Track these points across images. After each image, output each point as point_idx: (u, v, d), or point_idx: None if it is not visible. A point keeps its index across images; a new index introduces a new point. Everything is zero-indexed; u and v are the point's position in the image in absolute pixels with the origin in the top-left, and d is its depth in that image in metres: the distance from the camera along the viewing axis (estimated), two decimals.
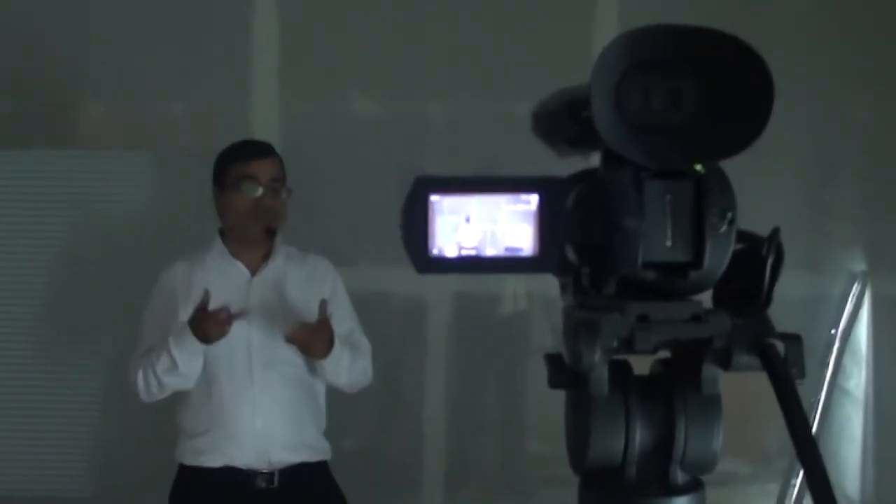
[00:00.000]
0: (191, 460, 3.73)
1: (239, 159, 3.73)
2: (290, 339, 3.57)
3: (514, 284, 4.93)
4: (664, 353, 1.53)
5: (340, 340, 3.64)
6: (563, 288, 1.61)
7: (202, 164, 4.61)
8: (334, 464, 3.90)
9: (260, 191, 3.69)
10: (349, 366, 3.70)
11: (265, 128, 4.75)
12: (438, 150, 4.83)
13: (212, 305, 3.60)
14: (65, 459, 4.74)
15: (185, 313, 3.62)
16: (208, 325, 3.51)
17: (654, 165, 1.41)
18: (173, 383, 3.64)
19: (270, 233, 3.72)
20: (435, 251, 1.52)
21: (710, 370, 1.48)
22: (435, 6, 4.83)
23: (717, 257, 1.43)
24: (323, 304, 3.57)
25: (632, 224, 1.40)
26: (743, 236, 1.46)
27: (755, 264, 1.48)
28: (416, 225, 1.51)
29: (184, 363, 3.57)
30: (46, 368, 4.74)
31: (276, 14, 4.79)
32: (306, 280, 3.79)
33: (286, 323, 3.62)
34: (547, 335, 4.92)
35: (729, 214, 1.43)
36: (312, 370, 3.72)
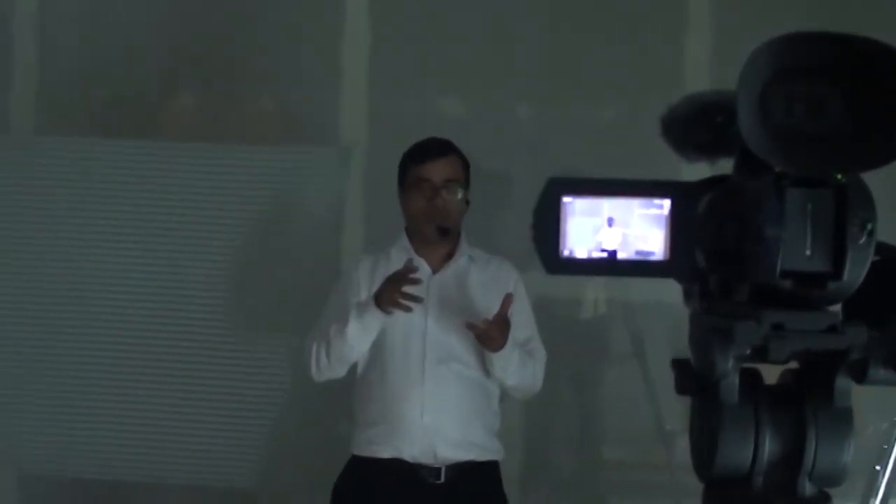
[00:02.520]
0: (363, 450, 3.74)
1: (415, 160, 3.77)
2: (469, 325, 3.55)
3: (595, 289, 4.91)
4: (793, 364, 1.52)
5: (513, 342, 3.64)
6: (687, 294, 1.59)
7: (285, 158, 4.70)
8: None
9: (433, 192, 3.71)
10: (518, 368, 3.70)
11: (353, 125, 4.78)
12: (524, 152, 4.81)
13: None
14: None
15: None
16: (392, 292, 3.52)
17: (797, 173, 1.39)
18: (337, 350, 3.63)
19: (443, 232, 3.73)
20: (566, 252, 1.51)
21: (843, 382, 1.47)
22: (525, 8, 4.81)
23: (857, 268, 1.41)
24: (507, 298, 3.58)
25: (772, 232, 1.38)
26: (880, 248, 1.45)
27: (893, 277, 1.46)
28: (548, 226, 1.51)
29: (353, 333, 3.59)
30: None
31: (366, 12, 4.80)
32: (488, 282, 3.79)
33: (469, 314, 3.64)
34: (626, 341, 4.89)
35: (869, 226, 1.42)
36: (485, 371, 3.73)
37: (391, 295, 3.53)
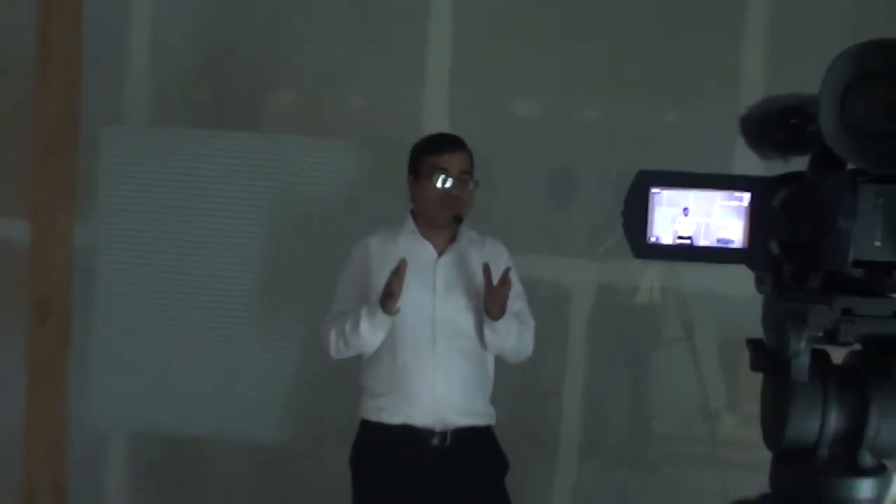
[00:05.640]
0: (372, 416, 3.77)
1: (433, 151, 3.74)
2: (485, 268, 3.56)
3: (651, 278, 4.90)
4: (857, 346, 1.51)
5: (510, 312, 3.66)
6: (760, 280, 1.59)
7: (377, 150, 4.71)
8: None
9: (450, 182, 3.69)
10: (517, 333, 3.72)
11: (435, 121, 4.78)
12: (590, 150, 4.81)
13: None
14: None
15: (380, 283, 3.65)
16: (392, 286, 3.52)
17: (872, 170, 1.38)
18: (355, 346, 3.68)
19: (457, 220, 3.72)
20: (652, 239, 1.52)
21: None
22: (594, 20, 4.80)
23: None
24: (506, 270, 3.58)
25: (845, 224, 1.38)
26: None
27: None
28: (637, 214, 1.52)
29: (366, 331, 3.61)
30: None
31: (450, 18, 4.81)
32: (485, 262, 3.73)
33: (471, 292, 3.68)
34: (677, 327, 4.88)
35: None
36: (483, 344, 3.73)
37: (393, 289, 3.52)
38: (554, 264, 4.70)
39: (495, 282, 3.57)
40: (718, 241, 1.51)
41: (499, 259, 3.75)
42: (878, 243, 1.40)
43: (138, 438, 5.14)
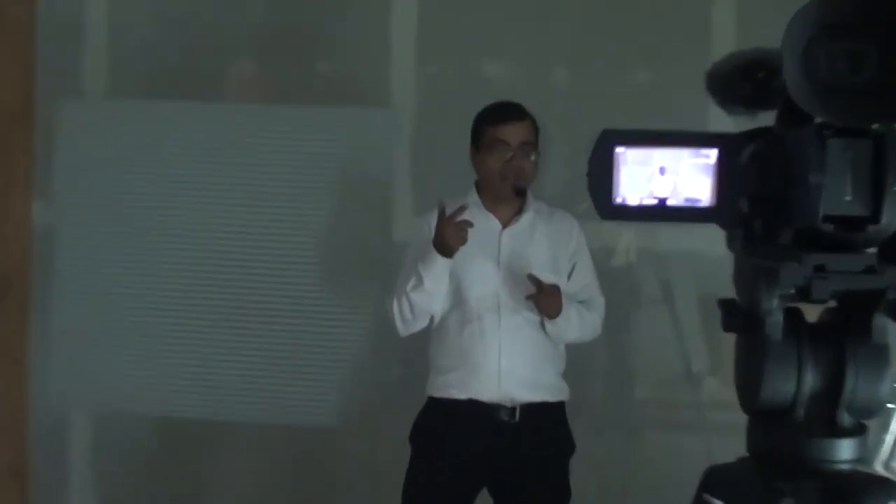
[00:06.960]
0: (439, 393, 3.71)
1: (493, 122, 3.68)
2: (531, 276, 3.53)
3: (627, 239, 4.89)
4: (831, 303, 1.51)
5: (569, 300, 3.62)
6: (731, 239, 1.58)
7: (340, 119, 4.69)
8: None
9: (510, 154, 3.63)
10: (579, 324, 3.68)
11: (403, 90, 4.77)
12: (560, 112, 4.79)
13: (463, 253, 3.57)
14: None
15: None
16: (447, 230, 3.47)
17: (838, 123, 1.38)
18: (420, 302, 3.61)
19: (519, 193, 3.66)
20: (618, 200, 1.51)
21: (880, 320, 1.46)
22: None
23: (893, 212, 1.40)
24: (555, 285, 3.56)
25: (815, 179, 1.38)
26: None
27: None
28: (602, 174, 1.51)
29: (429, 280, 3.55)
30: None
31: None
32: (552, 233, 3.73)
33: (526, 286, 3.58)
34: (655, 288, 4.88)
35: None
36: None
37: (453, 234, 3.49)
38: None
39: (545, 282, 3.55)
40: (686, 200, 1.50)
41: (567, 231, 3.73)
42: (847, 197, 1.40)
43: (102, 419, 5.11)
